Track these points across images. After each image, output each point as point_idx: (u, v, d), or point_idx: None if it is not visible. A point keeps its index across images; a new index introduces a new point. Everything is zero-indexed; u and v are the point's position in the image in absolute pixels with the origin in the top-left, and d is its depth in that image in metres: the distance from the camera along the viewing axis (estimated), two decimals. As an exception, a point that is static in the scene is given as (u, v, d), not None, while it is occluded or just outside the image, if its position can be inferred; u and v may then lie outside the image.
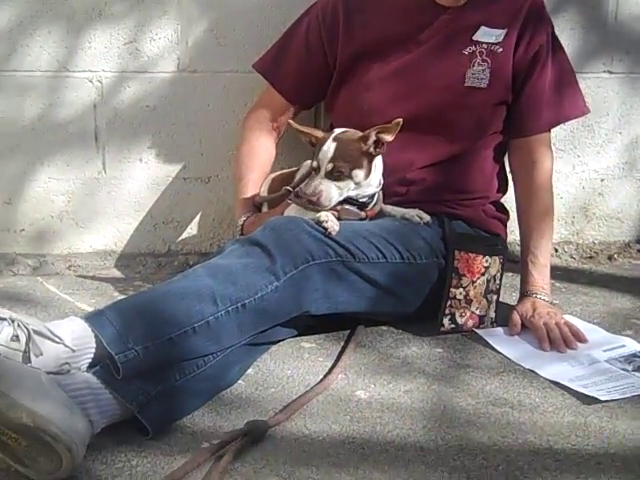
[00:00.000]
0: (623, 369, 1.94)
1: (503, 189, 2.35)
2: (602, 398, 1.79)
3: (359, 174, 2.00)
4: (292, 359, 1.99)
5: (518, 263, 2.31)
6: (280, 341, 2.03)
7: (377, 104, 2.19)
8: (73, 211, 2.57)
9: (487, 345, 2.08)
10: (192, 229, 2.63)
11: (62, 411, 1.48)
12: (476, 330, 2.14)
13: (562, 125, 2.40)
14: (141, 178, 2.57)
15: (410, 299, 2.11)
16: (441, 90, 2.17)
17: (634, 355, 2.01)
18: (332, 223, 1.94)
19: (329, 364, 1.97)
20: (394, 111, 2.10)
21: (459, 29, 2.18)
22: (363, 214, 2.08)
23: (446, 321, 2.11)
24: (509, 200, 2.37)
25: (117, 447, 1.59)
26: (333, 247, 1.93)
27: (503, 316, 2.18)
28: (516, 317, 2.15)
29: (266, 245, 1.86)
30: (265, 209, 2.23)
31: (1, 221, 2.55)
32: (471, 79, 2.16)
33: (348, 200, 2.03)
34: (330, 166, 1.98)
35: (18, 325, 1.63)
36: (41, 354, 1.62)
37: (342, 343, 2.08)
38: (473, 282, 2.11)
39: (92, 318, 1.70)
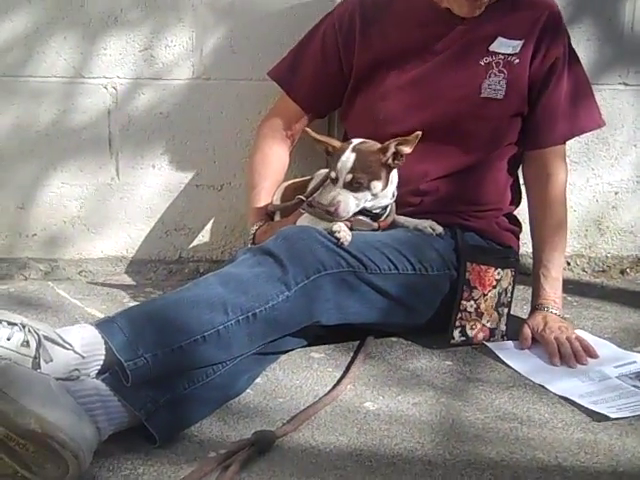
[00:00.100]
0: (634, 386, 1.92)
1: (516, 201, 2.34)
2: (612, 415, 1.78)
3: (377, 185, 1.99)
4: (301, 369, 1.99)
5: (530, 276, 2.30)
6: (289, 351, 2.03)
7: (392, 113, 2.19)
8: (85, 216, 2.57)
9: (497, 359, 2.07)
10: (204, 236, 2.63)
11: (70, 418, 1.49)
12: (486, 343, 2.12)
13: (576, 137, 2.38)
14: (154, 184, 2.58)
15: (421, 310, 2.11)
16: (457, 100, 2.16)
17: (645, 372, 2.00)
18: (344, 233, 1.94)
19: (338, 375, 1.97)
20: (409, 121, 2.11)
21: (476, 39, 2.17)
22: (376, 225, 2.07)
23: (456, 333, 2.10)
24: (522, 212, 2.36)
25: (124, 455, 1.59)
26: (345, 257, 1.93)
27: (514, 329, 2.17)
28: (527, 331, 2.14)
29: (278, 255, 1.86)
30: (277, 218, 2.22)
31: (14, 225, 2.56)
32: (487, 90, 2.16)
33: (362, 211, 2.03)
34: (349, 177, 1.97)
35: (29, 331, 1.63)
36: (51, 360, 1.62)
37: (351, 354, 2.07)
38: (484, 295, 2.11)
39: (102, 325, 1.70)
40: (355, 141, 2.03)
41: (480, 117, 2.17)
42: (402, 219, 2.14)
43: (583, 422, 1.78)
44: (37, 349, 1.62)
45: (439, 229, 2.13)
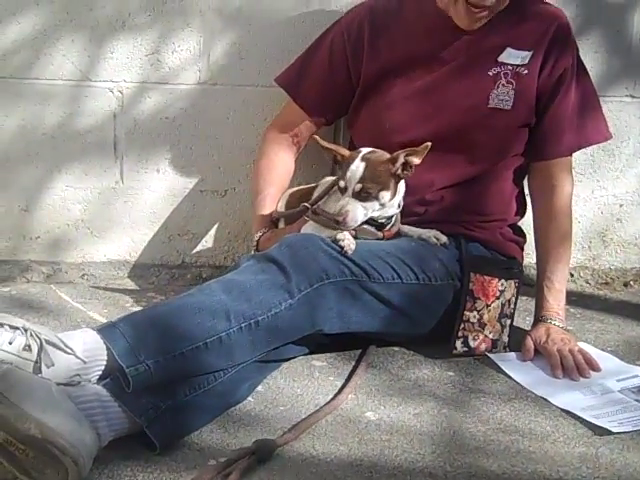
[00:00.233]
0: (636, 400, 1.91)
1: (521, 212, 2.33)
2: (614, 430, 1.77)
3: (386, 195, 1.99)
4: (302, 377, 1.98)
5: (533, 287, 2.30)
6: (291, 359, 2.02)
7: (399, 123, 2.19)
8: (89, 220, 2.57)
9: (499, 370, 2.06)
10: (207, 242, 2.63)
11: (71, 423, 1.48)
12: (489, 354, 2.12)
13: (582, 149, 2.38)
14: (158, 189, 2.58)
15: (424, 320, 2.10)
16: (464, 110, 2.16)
17: (648, 386, 1.99)
18: (349, 242, 1.94)
19: (339, 383, 1.96)
20: (416, 130, 2.12)
21: (484, 50, 2.17)
22: (380, 235, 2.06)
23: (459, 344, 2.09)
24: (526, 223, 2.36)
25: (124, 461, 1.59)
26: (349, 266, 1.92)
27: (516, 340, 2.16)
28: (529, 342, 2.13)
29: (282, 262, 1.85)
30: (282, 225, 2.22)
31: (17, 228, 2.56)
32: (495, 100, 2.15)
33: (367, 220, 2.02)
34: (359, 187, 1.97)
35: (31, 335, 1.63)
36: (52, 365, 1.62)
37: (353, 362, 2.06)
38: (487, 306, 2.10)
39: (104, 330, 1.70)
40: (364, 150, 2.02)
41: (487, 127, 2.17)
42: (406, 228, 2.14)
43: (585, 436, 1.78)
44: (39, 353, 1.62)
45: (443, 239, 2.12)
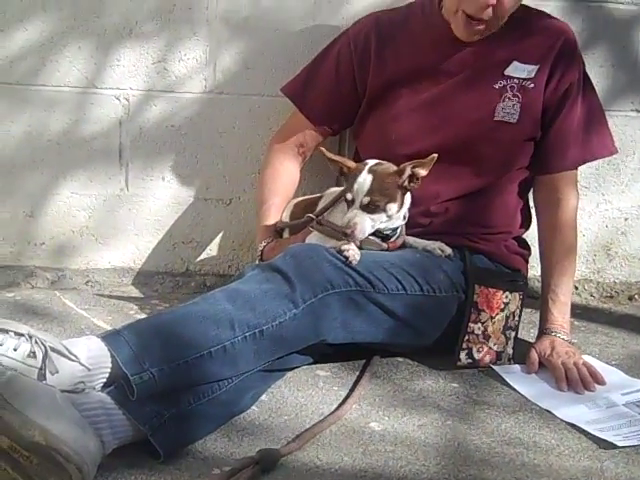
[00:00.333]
0: (641, 414, 1.91)
1: (526, 225, 2.33)
2: (619, 444, 1.77)
3: (393, 207, 1.99)
4: (306, 387, 1.98)
5: (538, 299, 2.29)
6: (295, 368, 2.01)
7: (405, 134, 2.19)
8: (93, 227, 2.58)
9: (504, 382, 2.06)
10: (211, 250, 2.63)
11: (75, 431, 1.48)
12: (493, 366, 2.11)
13: (588, 163, 2.38)
14: (162, 197, 2.58)
15: (428, 332, 2.10)
16: (470, 123, 2.16)
17: (652, 400, 1.98)
18: (353, 252, 1.94)
19: (343, 393, 1.95)
20: (422, 142, 2.12)
21: (491, 63, 2.17)
22: (385, 246, 2.07)
23: (463, 356, 2.09)
24: (531, 236, 2.36)
25: (127, 469, 1.58)
26: (353, 276, 1.92)
27: (521, 353, 2.16)
28: (534, 355, 2.13)
29: (286, 272, 1.85)
30: (286, 235, 2.22)
31: (22, 234, 2.56)
32: (501, 114, 2.16)
33: (373, 231, 2.02)
34: (367, 199, 1.97)
35: (35, 342, 1.62)
36: (57, 372, 1.61)
37: (357, 373, 2.06)
38: (492, 318, 2.10)
39: (109, 337, 1.69)
40: (370, 162, 2.02)
41: (493, 140, 2.17)
42: (411, 240, 2.14)
43: (590, 449, 1.77)
44: (43, 360, 1.61)
45: (448, 251, 2.12)
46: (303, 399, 1.92)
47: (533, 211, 2.34)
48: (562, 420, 1.88)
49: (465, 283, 2.10)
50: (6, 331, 1.63)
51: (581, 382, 2.02)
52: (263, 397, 1.89)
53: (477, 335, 2.08)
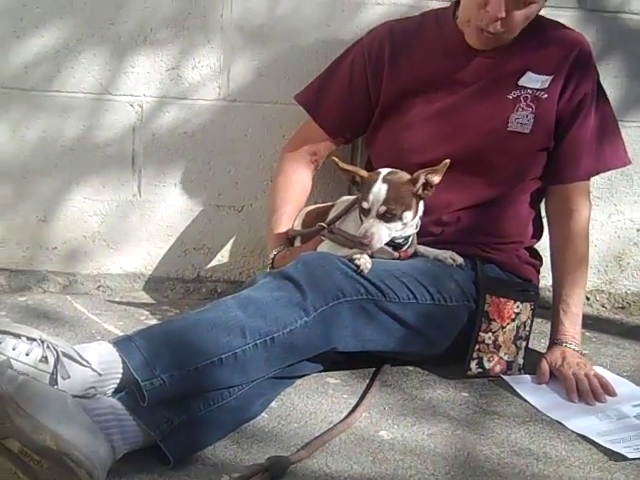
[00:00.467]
0: (652, 426, 1.90)
1: (538, 235, 2.33)
2: (629, 455, 1.76)
3: (408, 216, 1.99)
4: (316, 394, 1.98)
5: (549, 309, 2.29)
6: (305, 375, 2.01)
7: (417, 144, 2.19)
8: (106, 232, 2.59)
9: (514, 392, 2.05)
10: (222, 257, 2.63)
11: (86, 436, 1.48)
12: (503, 376, 2.11)
13: (601, 173, 2.37)
14: (175, 203, 2.59)
15: (439, 341, 2.10)
16: (483, 133, 2.17)
17: (663, 412, 1.97)
18: (365, 261, 1.94)
19: (353, 402, 1.95)
20: (434, 152, 2.11)
21: (505, 73, 2.17)
22: (396, 254, 2.07)
23: (473, 365, 2.09)
24: (542, 246, 2.35)
25: (137, 474, 1.58)
26: (364, 285, 1.92)
27: (531, 363, 2.16)
28: (545, 366, 2.12)
29: (298, 280, 1.85)
30: (298, 243, 2.23)
31: (35, 238, 2.57)
32: (514, 124, 2.16)
33: (386, 241, 2.03)
34: (383, 209, 1.97)
35: (47, 347, 1.63)
36: (68, 377, 1.62)
37: (367, 381, 2.06)
38: (503, 327, 2.09)
39: (120, 343, 1.70)
40: (384, 171, 2.02)
41: (506, 151, 2.17)
42: (422, 249, 2.14)
43: (600, 461, 1.76)
44: (55, 365, 1.62)
45: (459, 260, 2.12)
46: (313, 407, 1.92)
47: (545, 221, 2.34)
48: (572, 431, 1.88)
49: (476, 292, 2.10)
50: (18, 336, 1.64)
51: (592, 393, 2.02)
52: (273, 404, 1.89)
53: (488, 345, 2.08)
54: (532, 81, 2.16)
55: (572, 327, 2.18)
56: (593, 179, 2.34)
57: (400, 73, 2.23)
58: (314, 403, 1.93)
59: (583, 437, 1.85)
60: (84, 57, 2.47)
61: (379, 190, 1.98)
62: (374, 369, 2.11)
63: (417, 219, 2.05)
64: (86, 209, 2.57)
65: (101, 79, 2.49)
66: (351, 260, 1.94)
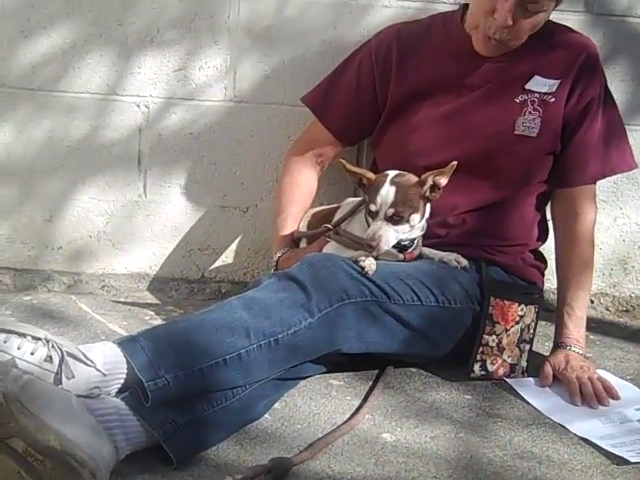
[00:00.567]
0: (656, 430, 1.90)
1: (543, 238, 2.33)
2: (632, 460, 1.76)
3: (416, 218, 1.99)
4: (320, 396, 1.98)
5: (553, 312, 2.29)
6: (309, 377, 2.02)
7: (423, 146, 2.19)
8: (111, 232, 2.59)
9: (517, 395, 2.05)
10: (227, 257, 2.64)
11: (89, 436, 1.49)
12: (506, 379, 2.11)
13: (607, 177, 2.37)
14: (180, 204, 2.59)
15: (442, 343, 2.10)
16: (490, 137, 2.17)
17: (666, 416, 1.97)
18: (369, 262, 1.94)
19: (356, 403, 1.96)
20: (441, 154, 2.11)
21: (512, 77, 2.17)
22: (401, 257, 2.07)
23: (476, 367, 2.09)
24: (547, 249, 2.35)
25: (140, 475, 1.59)
26: (369, 287, 1.92)
27: (535, 366, 2.15)
28: (548, 369, 2.12)
29: (302, 281, 1.85)
30: (303, 245, 2.23)
31: (40, 237, 2.58)
32: (521, 127, 2.16)
33: (391, 243, 2.03)
34: (391, 211, 1.96)
35: (52, 346, 1.64)
36: (73, 377, 1.63)
37: (370, 383, 2.06)
38: (507, 330, 2.09)
39: (125, 343, 1.71)
40: (391, 173, 2.02)
41: (513, 154, 2.17)
42: (427, 251, 2.14)
43: (602, 465, 1.76)
44: (60, 365, 1.62)
45: (464, 262, 2.12)
46: (316, 408, 1.92)
47: (550, 224, 2.34)
48: (575, 435, 1.88)
49: (481, 295, 2.10)
50: (23, 335, 1.65)
51: (595, 397, 2.02)
52: (276, 405, 1.90)
53: (491, 347, 2.08)
54: (539, 85, 2.16)
55: (576, 330, 2.18)
56: (599, 182, 2.33)
57: (407, 76, 2.23)
58: (317, 405, 1.94)
59: (586, 440, 1.85)
60: (91, 57, 2.48)
61: (387, 193, 1.98)
62: (377, 371, 2.11)
63: (424, 221, 2.05)
64: (92, 209, 2.57)
65: (108, 79, 2.50)
66: (356, 262, 1.94)
